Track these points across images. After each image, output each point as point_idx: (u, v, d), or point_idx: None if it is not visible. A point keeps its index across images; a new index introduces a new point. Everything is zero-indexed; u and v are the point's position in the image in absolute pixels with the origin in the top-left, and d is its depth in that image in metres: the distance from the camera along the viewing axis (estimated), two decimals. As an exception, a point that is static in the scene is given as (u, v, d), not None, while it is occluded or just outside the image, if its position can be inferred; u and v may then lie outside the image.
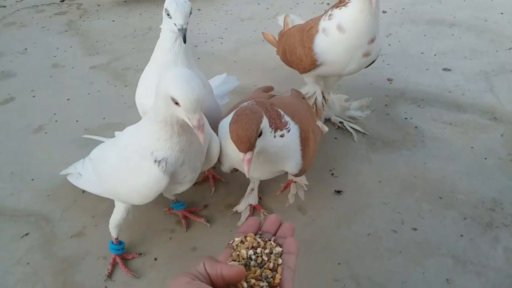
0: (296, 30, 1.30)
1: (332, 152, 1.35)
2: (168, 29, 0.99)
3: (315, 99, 1.34)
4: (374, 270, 1.00)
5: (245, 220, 1.11)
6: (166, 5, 0.97)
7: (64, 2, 2.57)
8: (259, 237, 0.59)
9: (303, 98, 1.21)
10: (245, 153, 0.79)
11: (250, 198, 1.16)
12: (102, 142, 1.17)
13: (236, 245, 0.58)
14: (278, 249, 0.58)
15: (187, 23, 0.96)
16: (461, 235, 1.07)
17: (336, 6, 1.14)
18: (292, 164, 0.96)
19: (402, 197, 1.19)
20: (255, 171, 0.97)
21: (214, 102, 1.15)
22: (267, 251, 0.57)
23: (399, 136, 1.40)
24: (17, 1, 2.59)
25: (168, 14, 0.96)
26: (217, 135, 0.98)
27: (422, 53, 1.85)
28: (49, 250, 1.08)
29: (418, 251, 1.04)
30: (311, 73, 1.26)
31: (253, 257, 0.56)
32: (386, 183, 1.23)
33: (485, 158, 1.30)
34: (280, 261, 0.56)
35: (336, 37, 1.14)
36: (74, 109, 1.60)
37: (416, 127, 1.43)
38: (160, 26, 1.02)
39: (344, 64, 1.18)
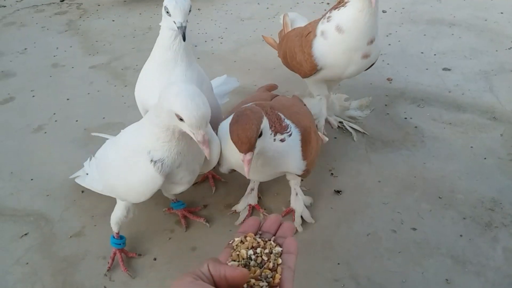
0: (295, 35, 1.29)
1: (331, 152, 1.34)
2: (167, 27, 0.98)
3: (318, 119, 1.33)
4: (373, 270, 1.00)
5: (244, 220, 1.12)
6: (165, 2, 0.96)
7: (64, 2, 2.57)
8: (259, 237, 0.59)
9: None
10: (245, 153, 0.79)
11: (250, 198, 1.16)
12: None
13: (236, 245, 0.58)
14: (278, 249, 0.58)
15: (187, 21, 0.96)
16: (461, 235, 1.07)
17: (335, 7, 1.14)
18: (294, 166, 0.96)
19: (401, 197, 1.19)
20: (255, 174, 0.97)
21: (214, 101, 1.15)
22: (267, 251, 0.57)
23: (398, 136, 1.40)
24: (17, 1, 2.59)
25: (167, 12, 0.96)
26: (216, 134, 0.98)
27: (422, 52, 1.85)
28: (48, 250, 1.08)
29: (418, 251, 1.04)
30: (312, 78, 1.25)
31: (253, 257, 0.56)
32: (385, 183, 1.23)
33: (485, 158, 1.30)
34: (280, 261, 0.56)
35: (335, 39, 1.13)
36: (74, 108, 1.60)
37: (415, 127, 1.43)
38: (160, 24, 1.01)
39: (344, 66, 1.18)
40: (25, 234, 1.12)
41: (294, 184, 1.13)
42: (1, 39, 2.16)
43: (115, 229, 1.02)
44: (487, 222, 1.10)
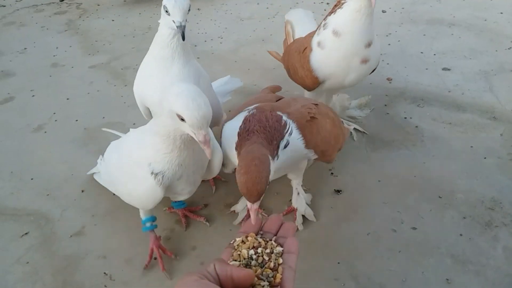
0: (295, 50, 1.28)
1: (331, 151, 1.34)
2: (166, 25, 0.98)
3: None
4: (373, 269, 1.01)
5: (243, 220, 1.12)
6: (164, 2, 0.96)
7: (64, 1, 2.57)
8: (260, 237, 0.60)
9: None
10: (253, 203, 0.77)
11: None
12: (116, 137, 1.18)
13: (237, 245, 0.58)
14: (279, 248, 0.58)
15: (186, 20, 0.96)
16: (461, 235, 1.08)
17: (331, 12, 1.13)
18: (301, 158, 0.95)
19: (401, 196, 1.19)
20: None
21: (213, 97, 1.15)
22: (268, 250, 0.57)
23: (398, 136, 1.40)
24: (16, 1, 2.59)
25: (166, 11, 0.96)
26: (215, 133, 0.98)
27: (421, 52, 1.85)
28: (48, 249, 1.08)
29: (418, 250, 1.04)
30: (317, 90, 1.25)
31: (254, 256, 0.56)
32: (385, 183, 1.23)
33: (485, 158, 1.30)
34: (280, 260, 0.56)
35: (333, 45, 1.12)
36: (74, 108, 1.60)
37: (415, 127, 1.43)
38: (159, 21, 1.01)
39: (343, 73, 1.16)
40: (26, 234, 1.12)
41: (296, 184, 1.13)
42: (1, 39, 2.15)
43: (143, 215, 1.02)
44: (487, 222, 1.10)
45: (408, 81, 1.67)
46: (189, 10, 0.97)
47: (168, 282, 0.99)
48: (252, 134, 0.86)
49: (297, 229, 1.09)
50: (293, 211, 1.13)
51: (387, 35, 1.99)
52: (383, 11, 2.20)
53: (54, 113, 1.58)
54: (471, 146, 1.34)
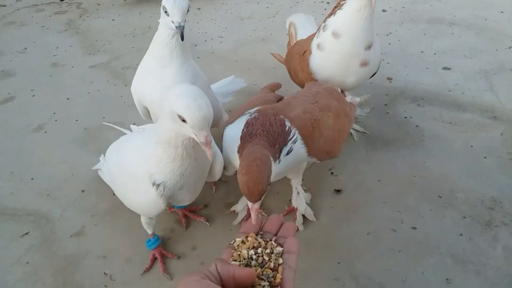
0: (296, 52, 1.28)
1: (332, 151, 1.34)
2: (165, 25, 0.99)
3: None
4: (373, 269, 1.01)
5: (242, 220, 1.12)
6: (163, 2, 0.96)
7: (64, 1, 2.57)
8: (260, 237, 0.60)
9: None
10: (254, 203, 0.77)
11: (249, 198, 1.16)
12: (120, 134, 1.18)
13: (237, 245, 0.58)
14: (279, 249, 0.58)
15: (185, 21, 0.96)
16: (461, 234, 1.08)
17: (330, 14, 1.13)
18: (303, 162, 0.95)
19: (401, 196, 1.19)
20: None
21: (212, 98, 1.15)
22: (268, 251, 0.57)
23: (398, 135, 1.40)
24: (16, 1, 2.59)
25: (165, 12, 0.96)
26: (214, 136, 0.98)
27: (422, 52, 1.85)
28: (49, 249, 1.08)
29: (418, 250, 1.04)
30: None
31: (254, 257, 0.56)
32: (385, 182, 1.23)
33: (485, 157, 1.30)
34: (281, 260, 0.56)
35: (332, 46, 1.12)
36: (74, 108, 1.60)
37: (416, 126, 1.43)
38: (159, 21, 1.01)
39: (343, 75, 1.16)
40: (26, 234, 1.13)
41: (296, 183, 1.13)
42: (1, 38, 2.15)
43: (149, 231, 1.03)
44: (487, 221, 1.10)
45: (408, 81, 1.67)
46: (188, 10, 0.97)
47: (168, 282, 1.00)
48: (255, 137, 0.86)
49: (297, 229, 1.09)
50: (293, 210, 1.13)
51: (387, 35, 1.99)
52: (384, 10, 2.20)
53: (54, 113, 1.58)
54: (471, 146, 1.34)
